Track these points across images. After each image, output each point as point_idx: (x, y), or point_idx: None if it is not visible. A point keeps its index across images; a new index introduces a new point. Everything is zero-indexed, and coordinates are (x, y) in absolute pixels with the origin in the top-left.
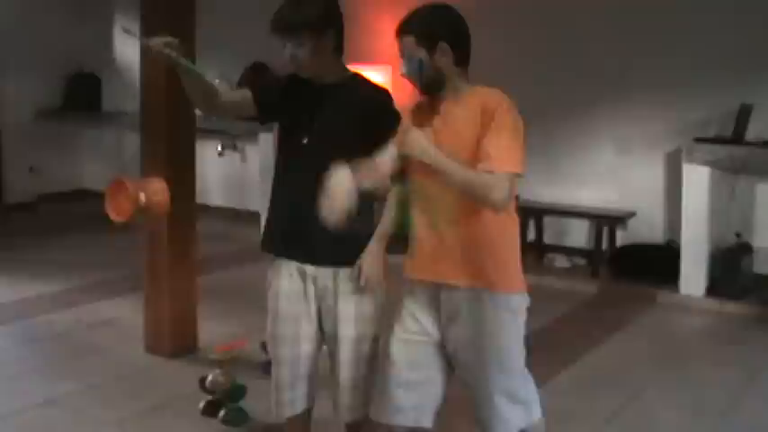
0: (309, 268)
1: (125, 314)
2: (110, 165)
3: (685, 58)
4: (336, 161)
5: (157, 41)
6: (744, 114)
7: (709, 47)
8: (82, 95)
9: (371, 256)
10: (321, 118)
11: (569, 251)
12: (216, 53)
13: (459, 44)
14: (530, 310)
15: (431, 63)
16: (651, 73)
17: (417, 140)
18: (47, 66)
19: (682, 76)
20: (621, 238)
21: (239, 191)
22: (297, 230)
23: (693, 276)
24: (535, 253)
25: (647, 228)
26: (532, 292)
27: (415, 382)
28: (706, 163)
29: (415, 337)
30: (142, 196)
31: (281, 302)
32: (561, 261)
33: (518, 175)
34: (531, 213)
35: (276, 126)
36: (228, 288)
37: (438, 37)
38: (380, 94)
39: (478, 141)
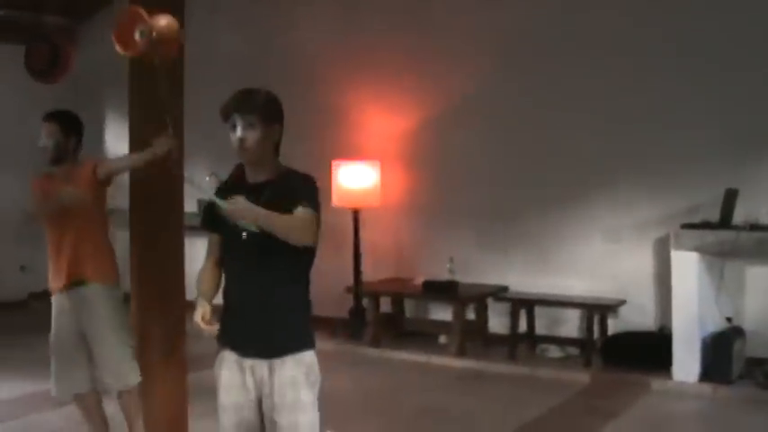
0: (246, 360)
1: (117, 413)
2: None
3: (670, 145)
4: (274, 252)
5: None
6: (729, 199)
7: (694, 134)
8: None
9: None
10: None
11: (561, 341)
12: (204, 149)
13: None
14: (523, 401)
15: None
16: (636, 162)
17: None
18: (39, 164)
19: (667, 164)
20: (613, 327)
21: None
22: (236, 323)
23: (686, 362)
24: (527, 344)
25: (638, 315)
26: (525, 382)
27: None
28: (694, 248)
29: None
30: (155, 30)
31: (222, 393)
32: (553, 351)
33: None
34: (522, 304)
35: None
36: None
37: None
38: (307, 180)
39: None
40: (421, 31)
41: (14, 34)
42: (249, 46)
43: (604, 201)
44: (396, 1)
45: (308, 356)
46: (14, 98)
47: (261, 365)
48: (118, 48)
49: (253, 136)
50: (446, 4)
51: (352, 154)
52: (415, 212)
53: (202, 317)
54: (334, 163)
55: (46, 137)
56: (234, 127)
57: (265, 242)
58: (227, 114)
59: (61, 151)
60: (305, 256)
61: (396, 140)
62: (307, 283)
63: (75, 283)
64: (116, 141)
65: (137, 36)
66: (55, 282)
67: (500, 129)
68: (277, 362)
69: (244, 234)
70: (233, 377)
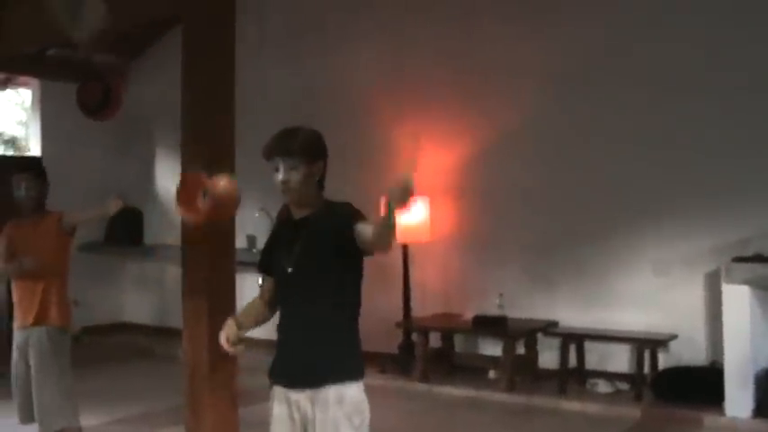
0: (292, 393)
1: None
2: (151, 298)
3: (720, 179)
4: (318, 285)
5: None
6: None
7: (744, 165)
8: (124, 229)
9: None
10: (300, 246)
11: (611, 376)
12: (255, 183)
13: None
14: None
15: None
16: (686, 194)
17: None
18: (90, 199)
19: (717, 196)
20: (664, 362)
21: None
22: (283, 356)
23: (739, 398)
24: (577, 378)
25: (689, 350)
26: (575, 418)
27: None
28: (745, 282)
29: None
30: (213, 193)
31: (273, 426)
32: (604, 386)
33: None
34: (571, 339)
35: None
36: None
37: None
38: (345, 206)
39: None
40: (469, 66)
41: (67, 72)
42: (298, 81)
43: (654, 234)
44: (443, 35)
45: (352, 393)
46: (67, 135)
47: (305, 400)
48: (181, 213)
49: (296, 177)
50: (493, 38)
51: None
52: (464, 247)
53: (227, 337)
54: (382, 198)
55: (26, 189)
56: (277, 169)
57: (308, 273)
58: (269, 156)
59: (39, 203)
60: (350, 288)
61: (444, 175)
62: (354, 314)
63: (36, 323)
64: (166, 177)
65: (200, 199)
66: (20, 320)
67: (548, 163)
68: (319, 396)
69: (289, 269)
70: (281, 411)
